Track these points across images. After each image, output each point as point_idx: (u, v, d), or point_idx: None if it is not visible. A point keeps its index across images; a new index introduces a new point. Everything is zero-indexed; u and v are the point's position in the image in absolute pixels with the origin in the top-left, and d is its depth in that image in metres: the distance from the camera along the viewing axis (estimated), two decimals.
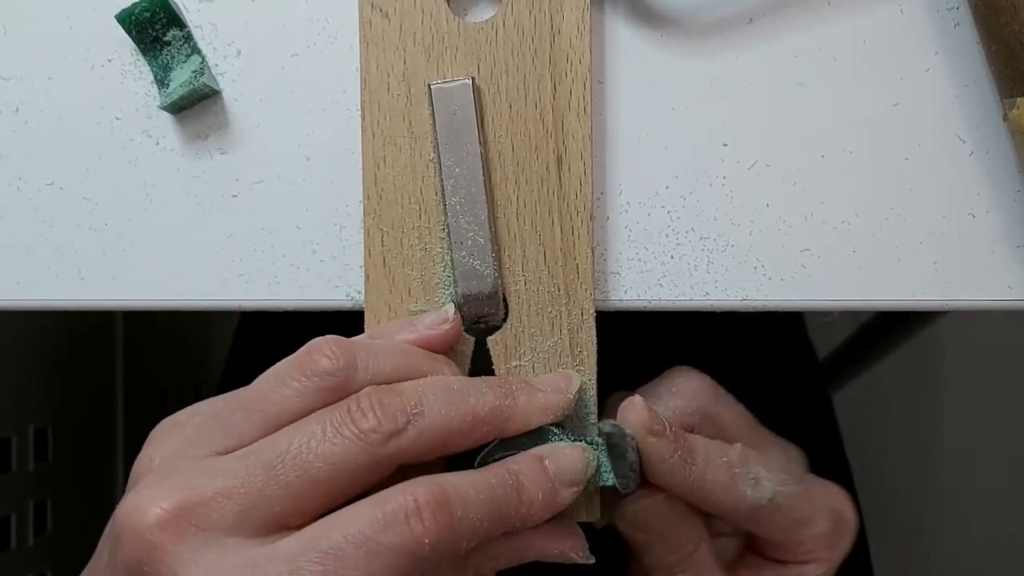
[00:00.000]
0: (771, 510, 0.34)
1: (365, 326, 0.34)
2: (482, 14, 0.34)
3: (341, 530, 0.27)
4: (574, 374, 0.33)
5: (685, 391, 0.36)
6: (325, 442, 0.28)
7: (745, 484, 0.33)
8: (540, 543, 0.32)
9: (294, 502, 0.28)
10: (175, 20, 0.35)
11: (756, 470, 0.33)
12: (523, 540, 0.32)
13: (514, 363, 0.34)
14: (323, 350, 0.30)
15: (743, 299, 0.35)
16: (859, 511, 0.66)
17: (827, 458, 0.66)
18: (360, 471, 0.28)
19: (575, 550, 0.32)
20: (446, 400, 0.30)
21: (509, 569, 0.33)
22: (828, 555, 0.36)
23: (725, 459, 0.33)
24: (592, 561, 0.33)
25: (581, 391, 0.33)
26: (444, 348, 0.33)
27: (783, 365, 0.66)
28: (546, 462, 0.31)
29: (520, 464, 0.31)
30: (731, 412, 0.36)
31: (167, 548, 0.27)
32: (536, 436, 0.32)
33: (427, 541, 0.27)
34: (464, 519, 0.28)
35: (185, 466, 0.29)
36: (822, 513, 0.36)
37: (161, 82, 0.35)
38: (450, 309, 0.33)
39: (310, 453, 0.28)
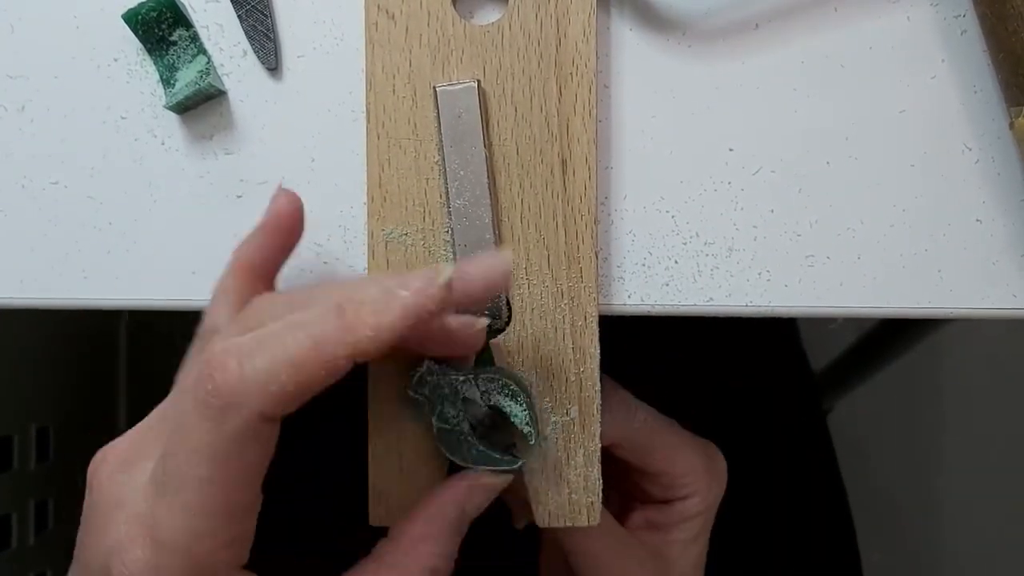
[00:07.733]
0: (647, 433, 0.39)
1: None
2: (488, 17, 0.34)
3: None
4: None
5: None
6: (180, 429, 0.29)
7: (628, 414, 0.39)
8: None
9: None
10: (181, 20, 0.35)
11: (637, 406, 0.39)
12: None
13: (517, 366, 0.34)
14: None
15: (747, 305, 0.35)
16: (853, 527, 0.66)
17: (820, 473, 0.66)
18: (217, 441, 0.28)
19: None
20: (277, 343, 0.28)
21: None
22: (706, 489, 0.40)
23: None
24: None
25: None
26: (434, 315, 0.29)
27: (777, 379, 0.66)
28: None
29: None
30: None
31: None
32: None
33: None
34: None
35: None
36: (694, 447, 0.40)
37: (167, 82, 0.36)
38: (447, 270, 0.28)
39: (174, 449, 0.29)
